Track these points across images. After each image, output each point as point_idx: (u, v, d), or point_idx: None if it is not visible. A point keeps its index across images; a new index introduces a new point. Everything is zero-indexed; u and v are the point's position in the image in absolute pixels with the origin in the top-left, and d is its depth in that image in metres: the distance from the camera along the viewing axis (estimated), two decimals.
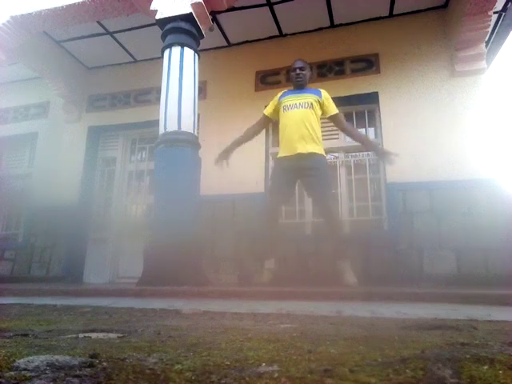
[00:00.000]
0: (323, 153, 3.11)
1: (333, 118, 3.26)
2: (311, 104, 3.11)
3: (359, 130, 4.48)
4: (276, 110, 3.29)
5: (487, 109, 3.94)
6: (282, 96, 3.28)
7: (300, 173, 3.06)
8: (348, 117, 4.62)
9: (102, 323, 1.32)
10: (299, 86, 3.26)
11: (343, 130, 3.37)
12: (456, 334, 1.03)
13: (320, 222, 3.29)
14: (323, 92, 3.24)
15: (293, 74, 3.29)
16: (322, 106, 3.18)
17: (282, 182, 3.11)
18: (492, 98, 4.00)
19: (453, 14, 4.08)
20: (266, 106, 3.50)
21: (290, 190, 3.21)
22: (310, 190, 3.13)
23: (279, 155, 3.19)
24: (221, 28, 4.69)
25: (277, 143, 4.76)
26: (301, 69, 3.25)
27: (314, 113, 3.10)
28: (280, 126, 3.23)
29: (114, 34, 4.91)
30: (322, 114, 3.25)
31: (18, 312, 1.74)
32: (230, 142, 3.41)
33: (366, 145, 3.44)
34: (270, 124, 3.81)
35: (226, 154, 3.33)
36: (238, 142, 3.40)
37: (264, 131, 4.57)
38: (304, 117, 3.07)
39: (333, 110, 3.21)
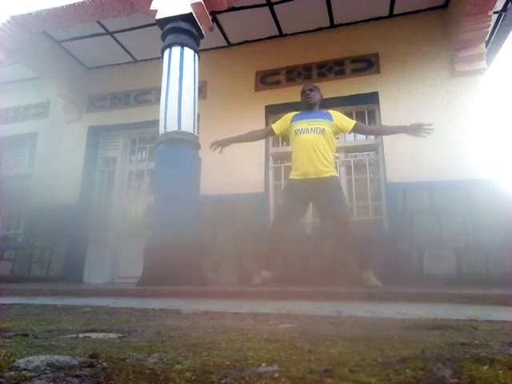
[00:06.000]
0: (334, 173, 3.18)
1: (355, 130, 3.33)
2: (323, 130, 3.19)
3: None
4: (285, 131, 3.37)
5: (487, 109, 3.94)
6: (293, 119, 3.33)
7: (312, 196, 3.15)
8: (348, 117, 4.62)
9: (101, 323, 1.32)
10: (309, 106, 3.34)
11: (371, 133, 3.42)
12: (456, 333, 1.03)
13: (336, 235, 3.30)
14: (333, 113, 3.30)
15: (303, 96, 3.38)
16: (336, 127, 3.26)
17: (295, 201, 3.19)
18: (492, 98, 4.00)
19: (453, 14, 4.08)
20: (271, 122, 3.50)
21: (301, 210, 3.29)
22: (324, 209, 3.19)
23: (291, 177, 3.26)
24: (221, 28, 4.69)
25: (277, 143, 4.78)
26: (310, 89, 3.36)
27: (325, 137, 3.18)
28: (293, 148, 3.31)
29: (114, 34, 4.91)
30: (342, 132, 3.38)
31: (17, 312, 1.74)
32: (232, 135, 3.46)
33: (396, 132, 3.39)
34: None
35: (223, 143, 3.42)
36: (239, 139, 3.48)
37: None
38: (315, 142, 3.15)
39: (349, 124, 3.28)
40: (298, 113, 3.40)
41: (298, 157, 3.21)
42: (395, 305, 1.94)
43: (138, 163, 5.39)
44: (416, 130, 3.13)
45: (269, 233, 3.31)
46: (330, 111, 3.35)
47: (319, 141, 3.15)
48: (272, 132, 3.45)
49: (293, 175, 3.25)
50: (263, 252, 3.30)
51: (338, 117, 3.29)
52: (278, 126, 3.42)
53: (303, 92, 3.40)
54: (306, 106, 3.37)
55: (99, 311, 1.74)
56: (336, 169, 3.39)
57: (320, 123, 3.21)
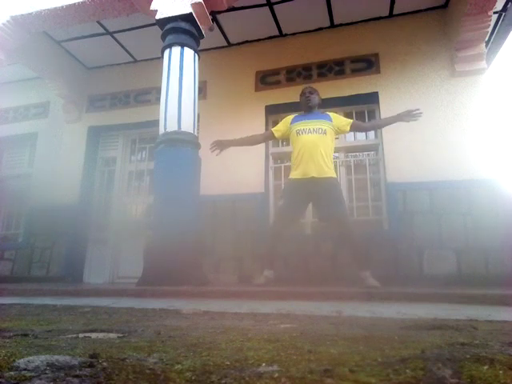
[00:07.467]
0: (334, 175, 3.21)
1: (353, 128, 3.37)
2: (324, 130, 3.22)
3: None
4: (286, 133, 3.39)
5: (487, 109, 3.94)
6: (293, 120, 3.36)
7: (312, 196, 3.16)
8: (348, 117, 4.62)
9: (101, 323, 1.32)
10: (309, 109, 3.36)
11: (368, 130, 3.49)
12: (456, 333, 1.03)
13: (335, 235, 3.33)
14: (331, 114, 3.35)
15: (303, 97, 3.40)
16: (335, 127, 3.29)
17: (294, 201, 3.20)
18: (492, 98, 4.00)
19: (453, 14, 4.08)
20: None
21: (301, 210, 3.32)
22: (323, 209, 3.20)
23: (292, 177, 3.27)
24: (221, 28, 4.69)
25: (277, 143, 4.77)
26: (310, 92, 3.40)
27: (326, 138, 3.21)
28: (293, 149, 3.32)
29: (114, 34, 4.91)
30: (341, 133, 3.43)
31: (17, 312, 1.74)
32: (233, 138, 3.49)
33: (390, 122, 3.43)
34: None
35: (222, 145, 3.47)
36: (239, 142, 3.51)
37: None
38: (317, 142, 3.18)
39: (346, 123, 3.32)
40: (297, 114, 3.42)
41: (299, 157, 3.21)
42: (395, 305, 1.94)
43: (138, 163, 5.39)
44: (406, 116, 3.22)
45: (269, 233, 3.32)
46: (328, 112, 3.39)
47: (321, 141, 3.18)
48: (272, 136, 3.48)
49: (293, 175, 3.26)
50: (265, 252, 3.32)
51: (337, 118, 3.33)
52: (278, 129, 3.44)
53: (303, 94, 3.42)
54: (306, 108, 3.39)
55: (99, 311, 1.74)
56: (336, 170, 3.41)
57: (321, 124, 3.24)
